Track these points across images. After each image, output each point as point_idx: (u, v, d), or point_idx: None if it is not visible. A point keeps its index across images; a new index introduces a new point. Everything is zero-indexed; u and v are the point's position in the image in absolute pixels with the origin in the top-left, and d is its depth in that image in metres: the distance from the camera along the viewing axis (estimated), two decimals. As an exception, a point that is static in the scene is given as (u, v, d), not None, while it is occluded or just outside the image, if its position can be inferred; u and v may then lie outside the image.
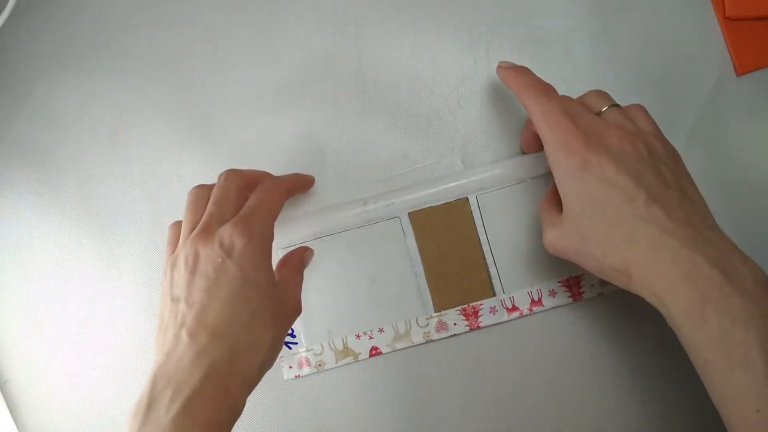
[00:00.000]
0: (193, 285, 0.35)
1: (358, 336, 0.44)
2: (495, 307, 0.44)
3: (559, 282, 0.44)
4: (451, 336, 0.44)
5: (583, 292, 0.44)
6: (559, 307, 0.44)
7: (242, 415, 0.42)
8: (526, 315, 0.44)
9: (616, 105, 0.38)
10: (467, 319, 0.44)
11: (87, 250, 0.45)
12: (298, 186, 0.43)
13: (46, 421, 0.44)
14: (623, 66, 0.46)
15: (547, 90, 0.38)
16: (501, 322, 0.44)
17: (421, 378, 0.44)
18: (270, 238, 0.37)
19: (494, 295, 0.44)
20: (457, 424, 0.44)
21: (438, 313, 0.44)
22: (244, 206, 0.37)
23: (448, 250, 0.44)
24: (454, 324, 0.44)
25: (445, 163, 0.45)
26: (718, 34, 0.46)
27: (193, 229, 0.37)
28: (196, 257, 0.35)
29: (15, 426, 0.43)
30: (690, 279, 0.31)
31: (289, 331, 0.44)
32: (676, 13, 0.47)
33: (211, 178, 0.45)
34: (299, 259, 0.42)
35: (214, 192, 0.38)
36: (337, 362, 0.44)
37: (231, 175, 0.39)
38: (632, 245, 0.33)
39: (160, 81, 0.46)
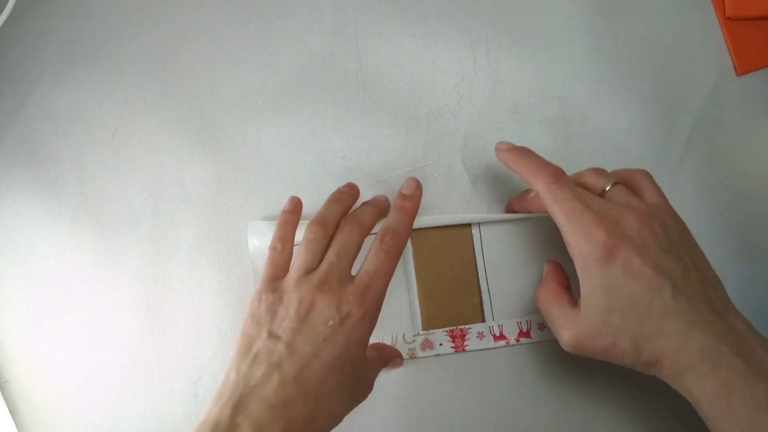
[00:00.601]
0: (299, 334, 0.36)
1: None
2: (483, 332, 0.44)
3: None
4: (436, 355, 0.44)
5: None
6: (546, 341, 0.44)
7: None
8: (513, 345, 0.44)
9: (618, 183, 0.38)
10: (453, 341, 0.44)
11: (87, 250, 0.45)
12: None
13: (46, 421, 0.44)
14: (623, 66, 0.46)
15: (557, 174, 0.37)
16: (486, 348, 0.44)
17: (399, 391, 0.44)
18: (379, 311, 0.38)
19: (483, 320, 0.44)
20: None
21: (425, 332, 0.44)
22: (364, 269, 0.38)
23: (444, 271, 0.44)
24: (440, 344, 0.44)
25: (445, 163, 0.45)
26: (718, 34, 0.46)
27: (308, 270, 0.38)
28: (310, 307, 0.36)
29: (15, 426, 0.43)
30: (716, 370, 0.32)
31: None
32: (676, 13, 0.47)
33: (211, 178, 0.45)
34: (388, 356, 0.42)
35: (337, 241, 0.39)
36: None
37: (355, 226, 0.39)
38: (662, 339, 0.33)
39: (160, 81, 0.46)
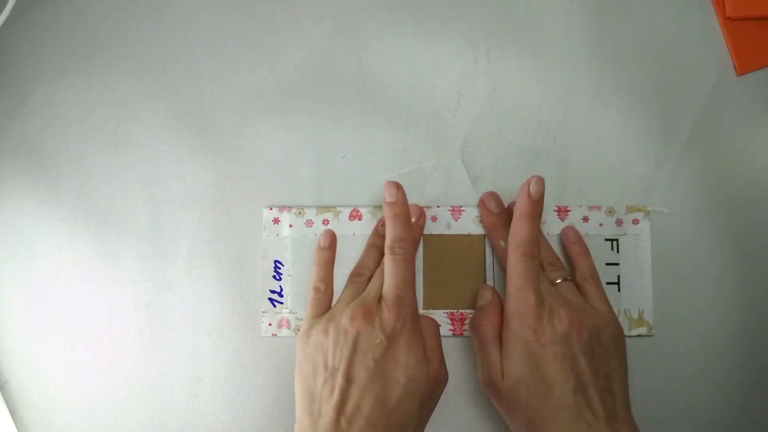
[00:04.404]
0: (354, 361, 0.37)
1: None
2: None
3: None
4: None
5: None
6: None
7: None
8: None
9: (568, 280, 0.42)
10: (452, 324, 0.44)
11: (86, 250, 0.45)
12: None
13: (46, 421, 0.44)
14: (623, 66, 0.46)
15: (533, 253, 0.39)
16: None
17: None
18: (418, 316, 0.40)
19: None
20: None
21: (425, 311, 0.44)
22: (387, 284, 0.40)
23: (452, 254, 0.44)
24: (439, 325, 0.44)
25: (445, 163, 0.45)
26: (718, 34, 0.46)
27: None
28: (356, 335, 0.38)
29: (15, 426, 0.43)
30: None
31: (278, 290, 0.44)
32: (676, 13, 0.47)
33: (211, 178, 0.45)
34: (435, 326, 0.41)
35: (376, 277, 0.41)
36: None
37: (374, 250, 0.43)
38: (553, 426, 0.37)
39: (160, 81, 0.46)
